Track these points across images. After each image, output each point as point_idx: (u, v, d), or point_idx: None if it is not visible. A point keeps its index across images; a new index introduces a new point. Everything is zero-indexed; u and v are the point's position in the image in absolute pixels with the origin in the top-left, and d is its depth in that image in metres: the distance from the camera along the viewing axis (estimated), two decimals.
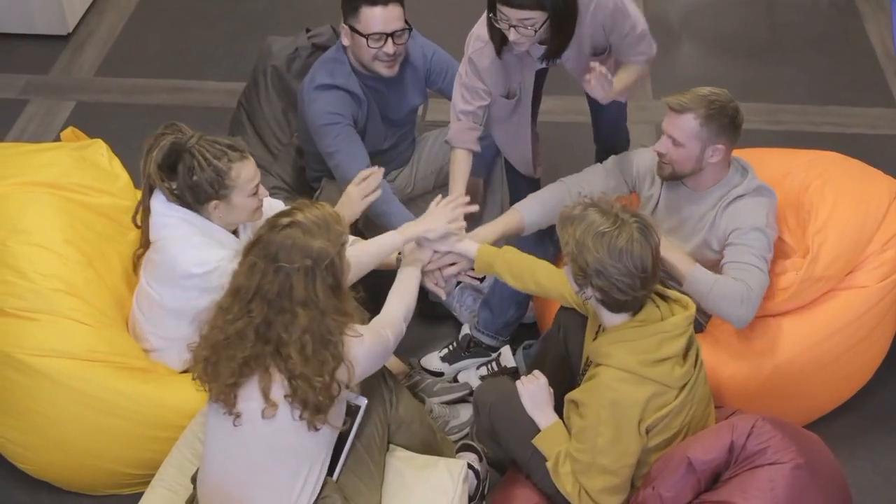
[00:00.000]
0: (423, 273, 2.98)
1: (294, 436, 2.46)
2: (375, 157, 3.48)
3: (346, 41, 3.28)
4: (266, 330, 2.41)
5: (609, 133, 3.63)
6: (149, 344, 3.07)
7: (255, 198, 2.86)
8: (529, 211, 3.14)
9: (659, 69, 4.84)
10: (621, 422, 2.47)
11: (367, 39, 3.21)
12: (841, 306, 3.04)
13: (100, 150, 3.38)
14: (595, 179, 3.19)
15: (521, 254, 2.97)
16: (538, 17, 2.90)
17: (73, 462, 3.00)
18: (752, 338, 3.02)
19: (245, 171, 2.81)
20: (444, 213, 2.95)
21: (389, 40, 3.22)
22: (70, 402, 2.90)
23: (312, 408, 2.41)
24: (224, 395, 2.43)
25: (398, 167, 3.64)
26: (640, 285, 2.47)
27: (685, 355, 2.53)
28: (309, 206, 2.50)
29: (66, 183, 3.20)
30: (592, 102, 3.56)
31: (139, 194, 3.22)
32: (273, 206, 2.99)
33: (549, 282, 2.88)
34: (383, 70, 3.29)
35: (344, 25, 3.27)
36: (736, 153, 3.47)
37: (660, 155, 2.98)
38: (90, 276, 3.05)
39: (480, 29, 3.12)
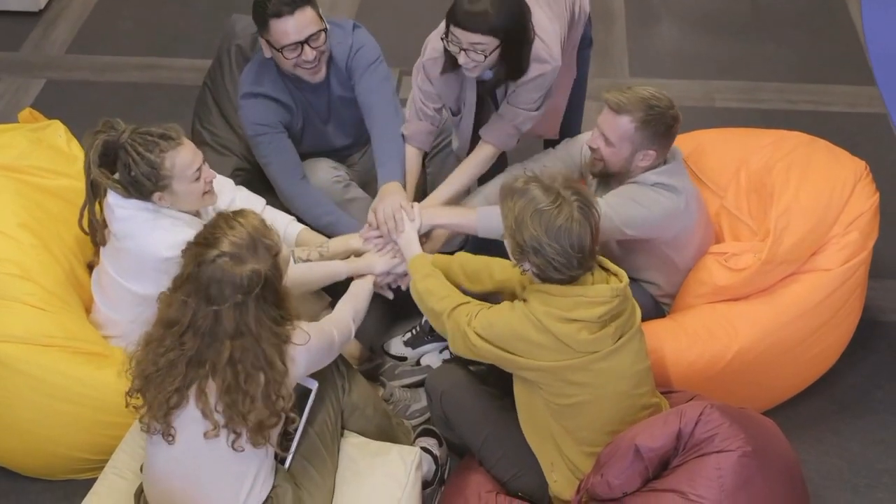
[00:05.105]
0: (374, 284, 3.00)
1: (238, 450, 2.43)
2: (339, 155, 3.46)
3: (267, 53, 3.17)
4: (198, 359, 2.38)
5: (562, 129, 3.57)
6: (111, 330, 3.03)
7: (200, 182, 2.79)
8: (478, 207, 3.08)
9: (638, 46, 4.79)
10: (502, 338, 2.50)
11: (282, 51, 3.10)
12: (804, 289, 3.00)
13: (58, 132, 3.33)
14: (545, 165, 3.14)
15: (474, 256, 2.90)
16: (489, 42, 2.88)
17: (29, 447, 2.98)
18: (714, 322, 2.99)
19: (180, 159, 2.73)
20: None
21: (306, 47, 3.08)
22: (25, 388, 2.86)
23: (252, 434, 2.39)
24: (158, 422, 2.41)
25: (364, 147, 3.58)
26: (577, 264, 2.44)
27: (604, 325, 2.48)
28: (231, 223, 2.41)
29: (22, 165, 3.15)
30: None
31: None
32: (224, 184, 2.97)
33: (506, 275, 2.81)
34: (308, 77, 3.18)
35: (261, 38, 3.16)
36: (702, 133, 3.43)
37: (592, 150, 2.94)
38: (46, 259, 3.01)
39: (437, 40, 3.05)
